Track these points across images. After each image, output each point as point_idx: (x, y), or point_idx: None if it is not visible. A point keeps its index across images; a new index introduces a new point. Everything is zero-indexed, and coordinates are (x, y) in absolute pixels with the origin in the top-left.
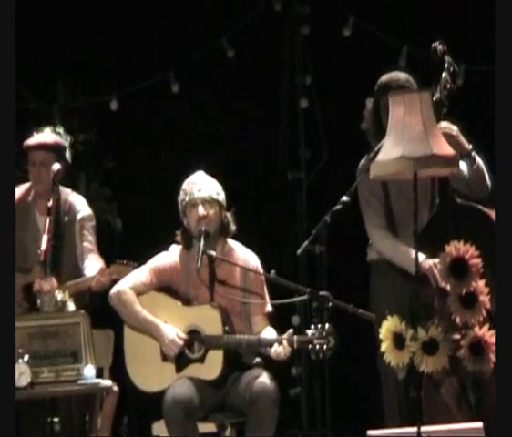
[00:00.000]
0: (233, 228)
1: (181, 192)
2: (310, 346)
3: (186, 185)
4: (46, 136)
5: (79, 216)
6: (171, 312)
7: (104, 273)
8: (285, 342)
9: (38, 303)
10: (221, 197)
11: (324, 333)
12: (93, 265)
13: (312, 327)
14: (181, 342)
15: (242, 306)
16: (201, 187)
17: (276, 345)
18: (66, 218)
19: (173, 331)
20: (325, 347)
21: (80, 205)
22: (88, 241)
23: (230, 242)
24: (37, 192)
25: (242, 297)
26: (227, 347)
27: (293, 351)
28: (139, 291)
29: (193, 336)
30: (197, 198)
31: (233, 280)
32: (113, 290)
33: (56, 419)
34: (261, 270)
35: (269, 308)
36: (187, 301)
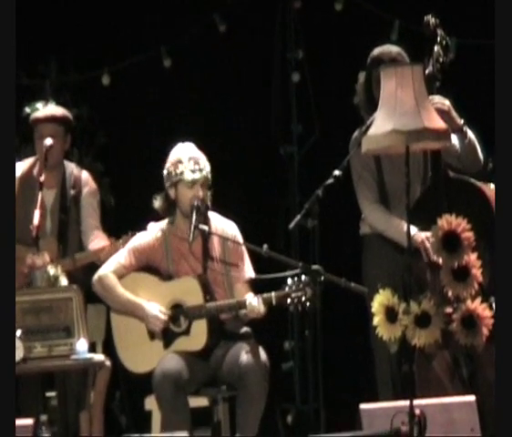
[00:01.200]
0: (209, 205)
1: (171, 164)
2: (288, 300)
3: (181, 155)
4: (54, 109)
5: (85, 190)
6: (153, 290)
7: (111, 248)
8: (259, 301)
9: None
10: (209, 175)
11: (301, 285)
12: (98, 242)
13: (289, 280)
14: (165, 317)
15: (224, 276)
16: (202, 166)
17: (251, 302)
18: (71, 192)
19: (156, 308)
20: (303, 298)
21: (86, 179)
22: (94, 217)
23: (210, 214)
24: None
25: (223, 267)
26: (209, 315)
27: (271, 308)
28: (120, 274)
29: (176, 310)
30: (197, 179)
31: (213, 251)
32: (95, 277)
33: (52, 393)
34: (240, 238)
35: (250, 274)
36: (168, 277)
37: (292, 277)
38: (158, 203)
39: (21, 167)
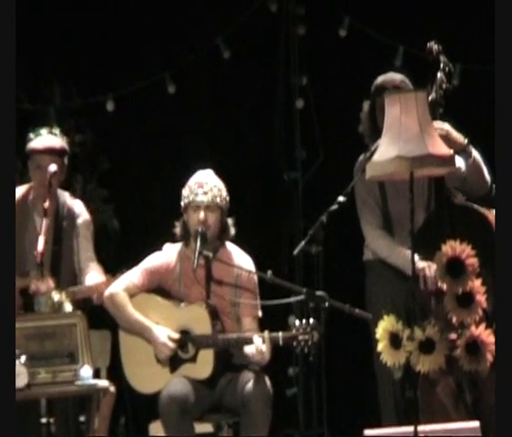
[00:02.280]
0: (232, 232)
1: (187, 188)
2: (295, 342)
3: (193, 183)
4: (52, 140)
5: (79, 221)
6: (163, 313)
7: (108, 283)
8: (263, 346)
9: (34, 305)
10: (224, 202)
11: (308, 328)
12: (94, 276)
13: (297, 322)
14: (173, 345)
15: (233, 307)
16: (207, 190)
17: (252, 347)
18: (64, 223)
19: (164, 334)
20: (310, 342)
21: (79, 209)
22: (89, 249)
23: (228, 245)
24: (40, 195)
25: (234, 297)
26: (217, 346)
27: (276, 349)
28: (132, 293)
29: (184, 336)
30: (200, 202)
31: (226, 281)
32: (106, 293)
33: (51, 420)
34: (254, 273)
35: (258, 313)
36: (178, 301)
37: (300, 316)
38: (177, 229)
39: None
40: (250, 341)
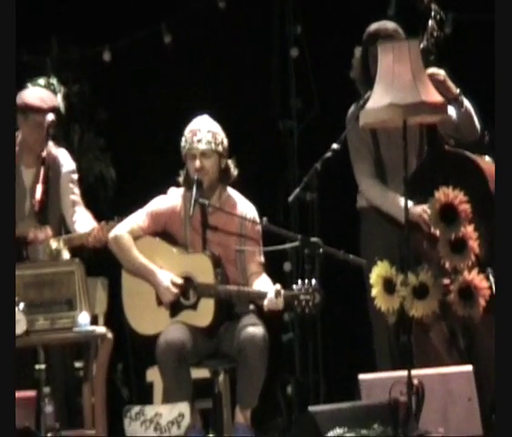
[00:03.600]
0: (234, 174)
1: (183, 137)
2: (296, 301)
3: (188, 131)
4: (46, 97)
5: (64, 169)
6: (167, 258)
7: (100, 231)
8: (279, 298)
9: (24, 255)
10: (221, 146)
11: (310, 289)
12: (82, 218)
13: (299, 282)
14: (176, 290)
15: (237, 254)
16: (201, 137)
17: (268, 300)
18: (50, 172)
19: (168, 278)
20: (311, 303)
21: (64, 158)
22: (75, 194)
23: (229, 191)
24: (29, 147)
25: (238, 245)
26: (218, 296)
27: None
28: (137, 235)
29: (187, 283)
30: (195, 150)
31: (229, 228)
32: (111, 235)
33: (43, 366)
34: (258, 221)
35: (261, 259)
36: (183, 247)
37: (302, 277)
38: (181, 178)
39: None
40: (255, 297)
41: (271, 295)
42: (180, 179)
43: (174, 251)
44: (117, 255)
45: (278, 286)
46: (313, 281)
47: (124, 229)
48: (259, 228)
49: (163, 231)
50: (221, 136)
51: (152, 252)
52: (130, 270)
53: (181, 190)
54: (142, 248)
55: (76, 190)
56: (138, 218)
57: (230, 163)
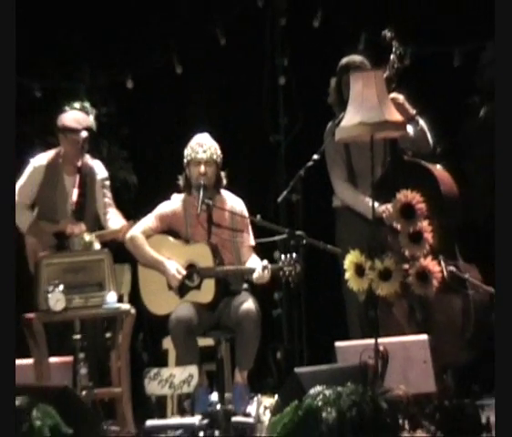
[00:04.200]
0: (224, 182)
1: (188, 148)
2: (281, 272)
3: (193, 143)
4: (85, 118)
5: (98, 177)
6: (173, 250)
7: (127, 227)
8: (265, 272)
9: (65, 245)
10: (219, 159)
11: (292, 261)
12: (114, 217)
13: (282, 256)
14: (180, 276)
15: (232, 241)
16: (206, 149)
17: (257, 273)
18: (87, 179)
19: (174, 267)
20: (293, 272)
21: (98, 167)
22: (108, 198)
23: (223, 192)
24: (70, 159)
25: (232, 234)
26: (217, 276)
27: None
28: (148, 235)
29: (191, 269)
30: (200, 158)
31: (225, 222)
32: (127, 236)
33: (78, 336)
34: (246, 213)
35: (252, 242)
36: (186, 240)
37: (284, 252)
38: (181, 181)
39: (46, 156)
40: (246, 272)
41: (259, 269)
42: (180, 183)
43: (178, 244)
44: (132, 252)
45: (265, 261)
46: (294, 254)
47: (137, 231)
48: (247, 217)
49: (168, 229)
50: (219, 151)
51: (161, 246)
52: (144, 263)
53: (182, 196)
54: (153, 244)
55: (109, 194)
56: (148, 221)
57: (223, 174)
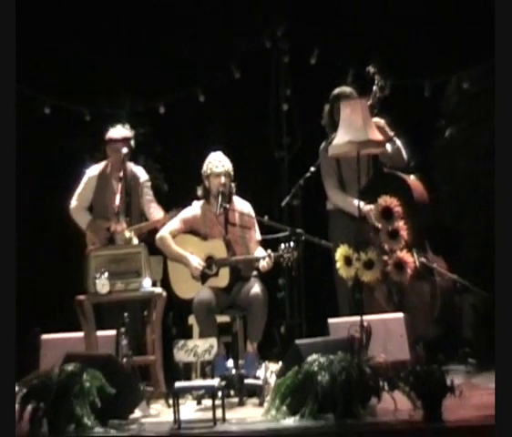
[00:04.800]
0: (233, 192)
1: (207, 163)
2: (281, 259)
3: (211, 159)
4: (124, 131)
5: (141, 180)
6: (194, 246)
7: (165, 218)
8: (268, 259)
9: (114, 239)
10: (232, 172)
11: (290, 249)
12: (156, 211)
13: (282, 245)
14: (201, 267)
15: (242, 237)
16: (224, 163)
17: (262, 261)
18: (132, 182)
19: (196, 260)
20: (292, 258)
21: (141, 172)
22: (150, 195)
23: (234, 197)
24: (115, 167)
25: (242, 231)
26: (231, 265)
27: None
28: (174, 234)
29: (209, 260)
30: (219, 172)
31: (236, 221)
32: (157, 236)
33: (126, 314)
34: (253, 213)
35: (258, 237)
36: (204, 237)
37: (284, 242)
38: (199, 190)
39: (97, 167)
40: (254, 261)
41: (263, 263)
42: (199, 193)
43: (199, 241)
44: (161, 249)
45: (269, 251)
46: (291, 243)
47: (165, 232)
48: (254, 216)
49: (190, 230)
50: (231, 164)
51: (185, 244)
52: (171, 258)
53: (201, 202)
54: (178, 242)
55: (150, 192)
56: (174, 224)
57: (233, 185)
